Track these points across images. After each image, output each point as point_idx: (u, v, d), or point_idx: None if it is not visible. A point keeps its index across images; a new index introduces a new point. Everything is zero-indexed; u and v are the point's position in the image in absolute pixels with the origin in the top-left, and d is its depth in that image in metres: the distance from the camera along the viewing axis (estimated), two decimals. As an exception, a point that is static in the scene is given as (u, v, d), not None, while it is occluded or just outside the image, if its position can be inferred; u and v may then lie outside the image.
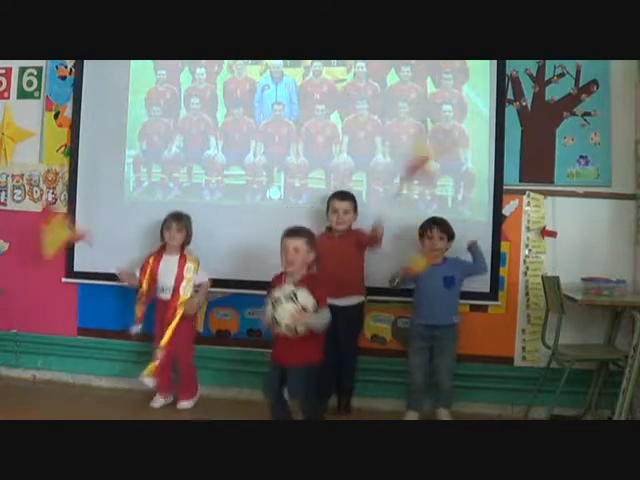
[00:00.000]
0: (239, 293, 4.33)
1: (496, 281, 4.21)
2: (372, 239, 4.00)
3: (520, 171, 4.26)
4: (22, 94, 4.68)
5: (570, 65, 4.22)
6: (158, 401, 4.20)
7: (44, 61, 4.63)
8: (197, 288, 4.17)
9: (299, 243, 3.45)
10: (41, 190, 4.64)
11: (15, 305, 4.62)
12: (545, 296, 4.08)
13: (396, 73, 4.29)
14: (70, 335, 4.62)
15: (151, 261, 4.18)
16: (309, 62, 4.34)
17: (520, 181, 4.26)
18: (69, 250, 4.52)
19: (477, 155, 4.24)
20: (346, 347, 4.05)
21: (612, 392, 3.83)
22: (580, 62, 4.20)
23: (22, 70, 4.67)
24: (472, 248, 4.01)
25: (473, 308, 4.23)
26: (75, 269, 4.56)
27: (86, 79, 4.54)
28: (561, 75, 4.25)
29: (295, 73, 4.36)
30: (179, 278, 4.11)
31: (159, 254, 4.20)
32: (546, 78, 4.26)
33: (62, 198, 4.60)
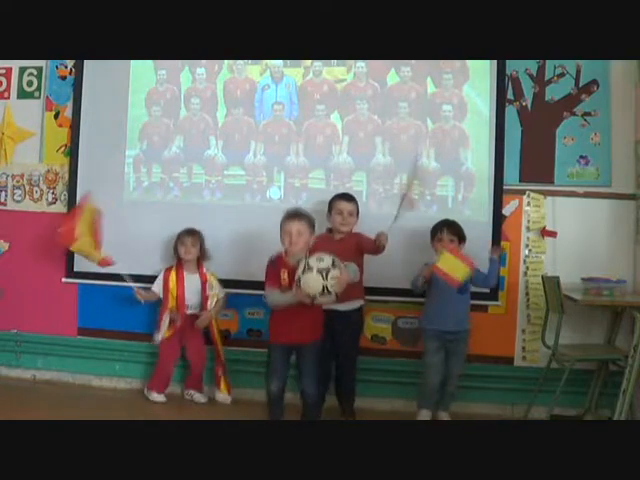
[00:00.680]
0: (239, 293, 4.33)
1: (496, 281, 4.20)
2: (375, 248, 3.94)
3: (520, 171, 4.26)
4: (22, 94, 4.68)
5: (570, 65, 4.22)
6: (158, 398, 4.28)
7: (44, 61, 4.63)
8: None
9: (302, 226, 3.51)
10: (41, 190, 4.64)
11: (15, 305, 4.62)
12: (545, 296, 4.07)
13: (396, 73, 4.29)
14: (70, 335, 4.62)
15: (174, 279, 4.25)
16: (309, 62, 4.34)
17: (520, 181, 4.26)
18: (69, 250, 4.51)
19: (477, 155, 4.24)
20: (345, 351, 4.02)
21: (612, 392, 3.82)
22: (580, 62, 4.20)
23: (22, 70, 4.67)
24: (493, 258, 3.97)
25: (473, 308, 4.17)
26: (75, 269, 4.56)
27: (86, 79, 4.54)
28: (561, 75, 4.25)
29: (295, 73, 4.37)
30: (205, 296, 4.22)
31: (178, 271, 4.26)
32: (546, 78, 4.26)
33: (62, 198, 4.60)
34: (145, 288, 4.28)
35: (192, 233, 4.23)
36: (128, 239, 4.37)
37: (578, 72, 4.23)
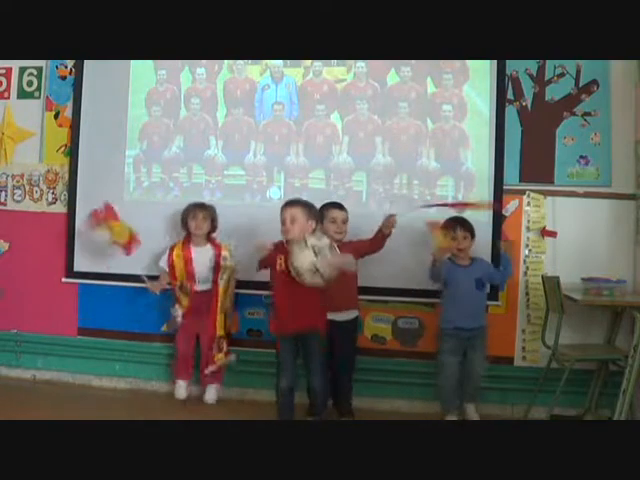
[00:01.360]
0: (239, 293, 4.32)
1: (496, 281, 4.21)
2: (371, 246, 3.97)
3: (520, 171, 4.26)
4: (22, 94, 4.68)
5: (570, 65, 4.22)
6: (181, 390, 4.21)
7: (44, 61, 4.63)
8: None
9: (294, 211, 3.55)
10: (41, 190, 4.64)
11: (15, 305, 4.62)
12: (545, 296, 4.07)
13: (396, 73, 4.29)
14: (70, 335, 4.62)
15: (181, 253, 4.17)
16: (309, 62, 4.34)
17: (520, 181, 4.26)
18: (69, 250, 4.53)
19: (477, 155, 4.24)
20: (342, 361, 4.00)
21: (612, 392, 3.81)
22: (580, 62, 4.20)
23: (22, 70, 4.67)
24: (503, 254, 4.05)
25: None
26: (75, 269, 4.56)
27: (86, 79, 4.54)
28: (561, 75, 4.25)
29: (295, 73, 4.37)
30: (217, 268, 4.15)
31: (186, 246, 4.19)
32: (546, 78, 4.26)
33: (62, 198, 4.60)
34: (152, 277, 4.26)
35: (203, 207, 4.18)
36: (128, 239, 4.36)
37: (578, 72, 4.23)
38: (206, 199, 4.38)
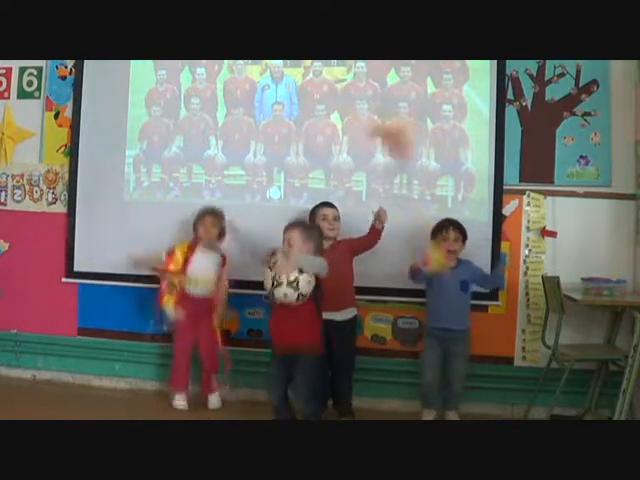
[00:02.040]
0: (239, 293, 4.31)
1: (496, 281, 4.21)
2: (368, 241, 3.99)
3: (520, 171, 4.26)
4: (22, 94, 4.68)
5: (570, 65, 4.22)
6: (179, 402, 4.16)
7: (44, 61, 4.63)
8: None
9: (291, 235, 3.58)
10: (41, 190, 4.64)
11: (15, 305, 4.62)
12: (545, 296, 4.06)
13: (396, 73, 4.29)
14: (70, 335, 4.62)
15: (185, 252, 4.15)
16: (309, 62, 4.34)
17: (520, 181, 4.26)
18: (69, 250, 4.53)
19: (477, 155, 4.24)
20: (342, 360, 3.99)
21: (612, 392, 3.81)
22: (580, 62, 4.20)
23: (22, 70, 4.67)
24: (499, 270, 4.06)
25: (473, 308, 4.16)
26: (75, 269, 4.56)
27: (86, 79, 4.54)
28: (561, 75, 4.24)
29: (295, 73, 4.36)
30: (221, 278, 4.15)
31: (191, 247, 4.17)
32: (546, 78, 4.26)
33: (62, 198, 4.60)
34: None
35: (213, 213, 4.16)
36: (128, 239, 4.38)
37: (578, 72, 4.22)
38: (206, 199, 4.39)
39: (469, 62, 4.24)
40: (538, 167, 4.25)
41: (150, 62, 4.49)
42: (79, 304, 4.62)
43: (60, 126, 4.62)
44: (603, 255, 4.19)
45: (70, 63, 4.61)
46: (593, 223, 4.22)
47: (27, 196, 4.65)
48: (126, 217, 4.43)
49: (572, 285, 3.98)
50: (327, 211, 4.00)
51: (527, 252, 4.27)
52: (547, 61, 4.23)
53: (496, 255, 4.17)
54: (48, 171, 4.62)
